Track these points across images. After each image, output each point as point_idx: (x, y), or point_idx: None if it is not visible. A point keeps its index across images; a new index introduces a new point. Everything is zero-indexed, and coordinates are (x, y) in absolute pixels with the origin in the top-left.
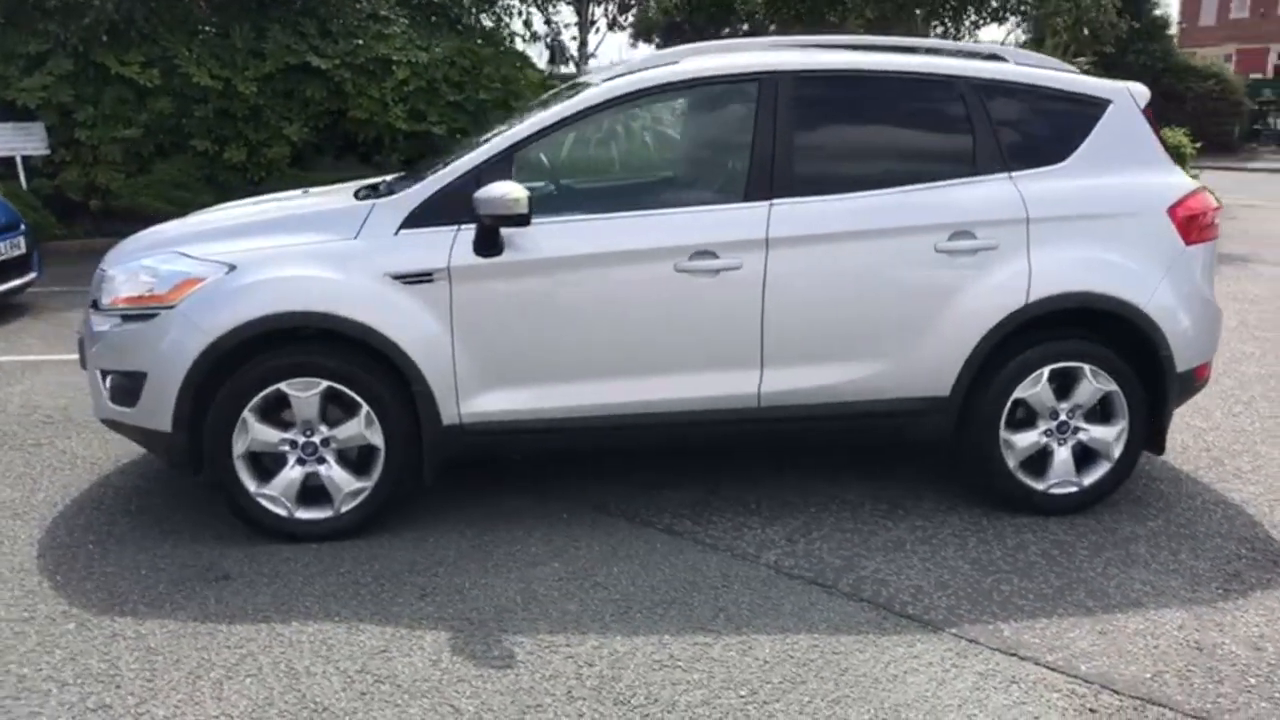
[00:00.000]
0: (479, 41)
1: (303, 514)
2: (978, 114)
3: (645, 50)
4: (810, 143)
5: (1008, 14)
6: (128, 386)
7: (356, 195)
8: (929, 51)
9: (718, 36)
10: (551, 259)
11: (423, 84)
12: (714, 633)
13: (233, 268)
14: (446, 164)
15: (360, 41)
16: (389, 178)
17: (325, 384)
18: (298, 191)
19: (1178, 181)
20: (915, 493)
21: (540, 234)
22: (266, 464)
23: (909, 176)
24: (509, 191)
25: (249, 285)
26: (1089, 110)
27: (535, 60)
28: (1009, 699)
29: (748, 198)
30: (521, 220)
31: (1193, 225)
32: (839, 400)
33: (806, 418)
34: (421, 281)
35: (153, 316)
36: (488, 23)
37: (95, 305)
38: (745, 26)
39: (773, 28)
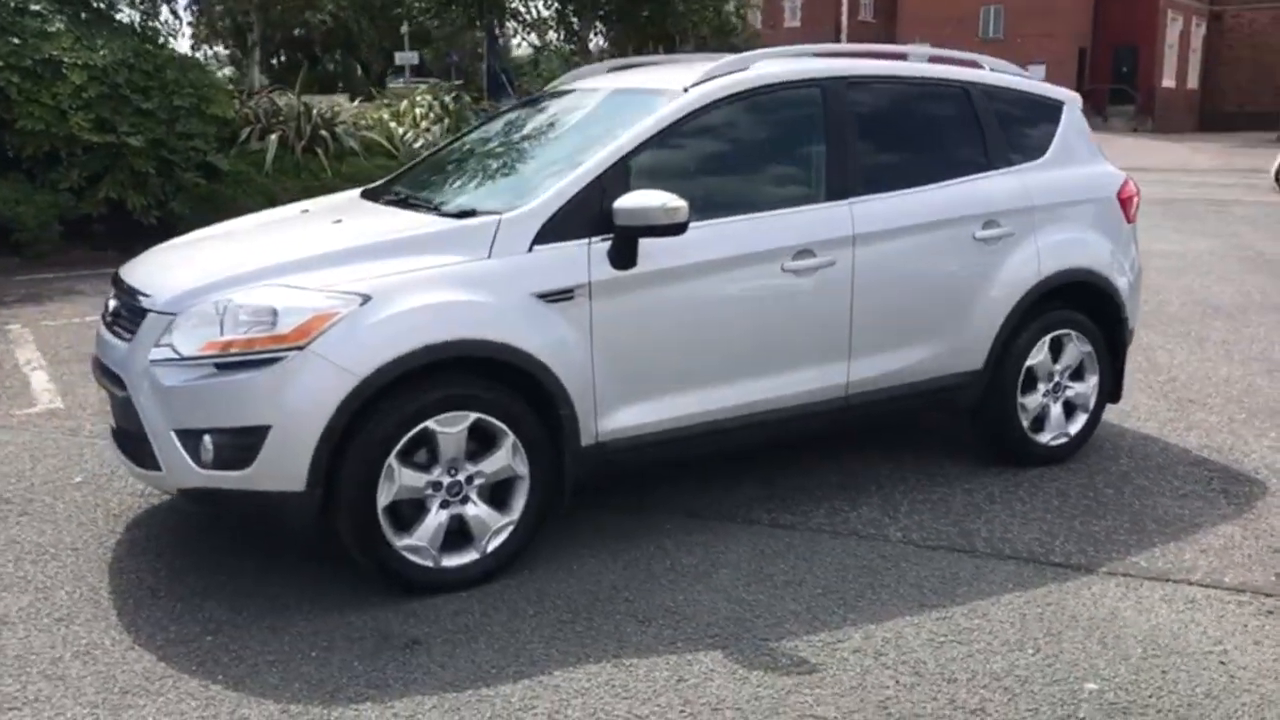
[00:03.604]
0: (134, 38)
1: (448, 561)
2: (986, 115)
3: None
4: (868, 142)
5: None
6: (239, 445)
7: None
8: (918, 58)
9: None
10: (681, 266)
11: (104, 89)
12: (938, 608)
13: (367, 298)
14: (489, 174)
15: (18, 40)
16: (372, 185)
17: (474, 416)
18: (294, 209)
19: (1115, 170)
20: (934, 460)
21: (666, 242)
22: (403, 512)
23: (943, 172)
24: (666, 200)
25: (397, 316)
26: (1053, 111)
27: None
28: (1209, 616)
29: (830, 197)
30: (678, 229)
31: (1130, 206)
32: (906, 381)
33: (882, 401)
34: (563, 299)
35: (273, 361)
36: (136, 15)
37: (167, 357)
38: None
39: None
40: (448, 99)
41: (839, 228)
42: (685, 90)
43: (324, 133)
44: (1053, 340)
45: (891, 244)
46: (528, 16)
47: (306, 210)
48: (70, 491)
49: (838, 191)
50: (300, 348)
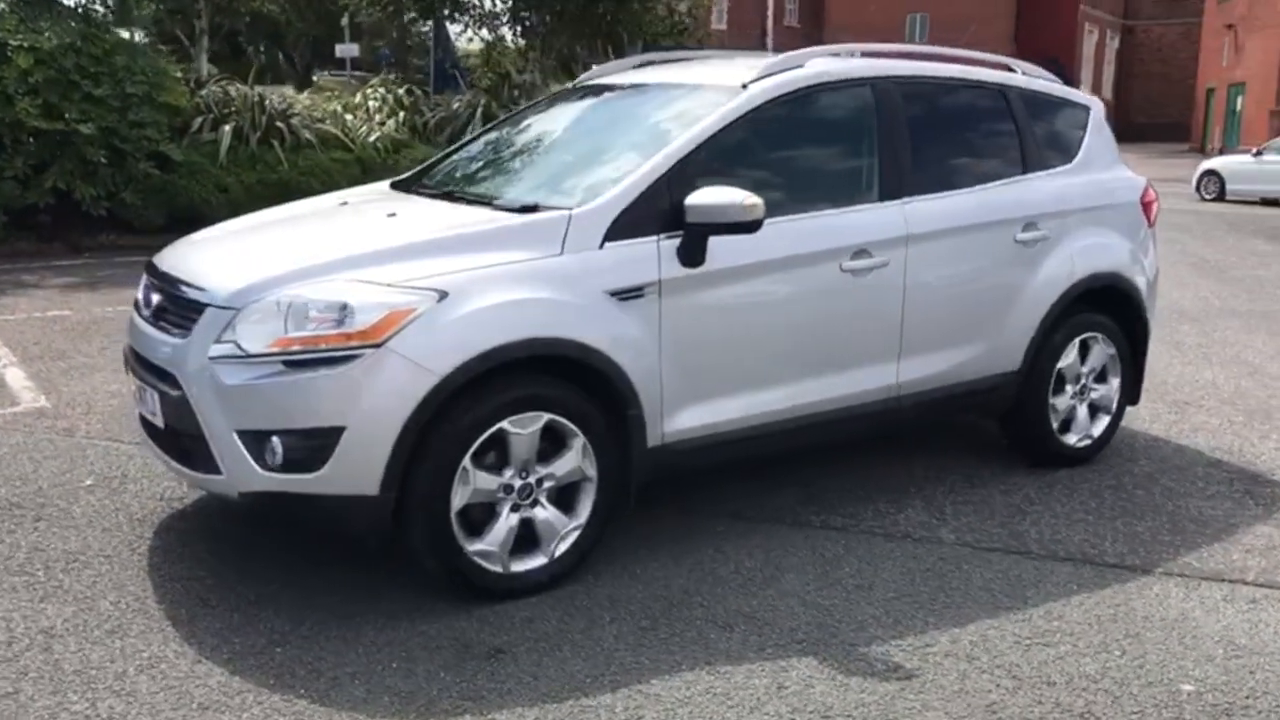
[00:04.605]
0: (80, 22)
1: (516, 566)
2: (1023, 119)
3: None
4: (917, 143)
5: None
6: (310, 447)
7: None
8: (958, 60)
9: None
10: (746, 265)
11: (52, 74)
12: (1013, 610)
13: (444, 294)
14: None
15: None
16: (401, 177)
17: (547, 417)
18: (330, 200)
19: (1136, 176)
20: (963, 463)
21: (730, 240)
22: (473, 516)
23: (986, 174)
24: (743, 198)
25: (476, 313)
26: (1081, 116)
27: None
28: (1273, 615)
29: (883, 198)
30: (754, 227)
31: (1150, 210)
32: (951, 382)
33: (928, 402)
34: (634, 297)
35: (349, 358)
36: None
37: (229, 354)
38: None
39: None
40: (401, 92)
41: (893, 228)
42: (744, 86)
43: (279, 125)
44: (1081, 342)
45: (940, 245)
46: (479, 10)
47: (345, 203)
48: (83, 495)
49: (890, 191)
50: (377, 345)
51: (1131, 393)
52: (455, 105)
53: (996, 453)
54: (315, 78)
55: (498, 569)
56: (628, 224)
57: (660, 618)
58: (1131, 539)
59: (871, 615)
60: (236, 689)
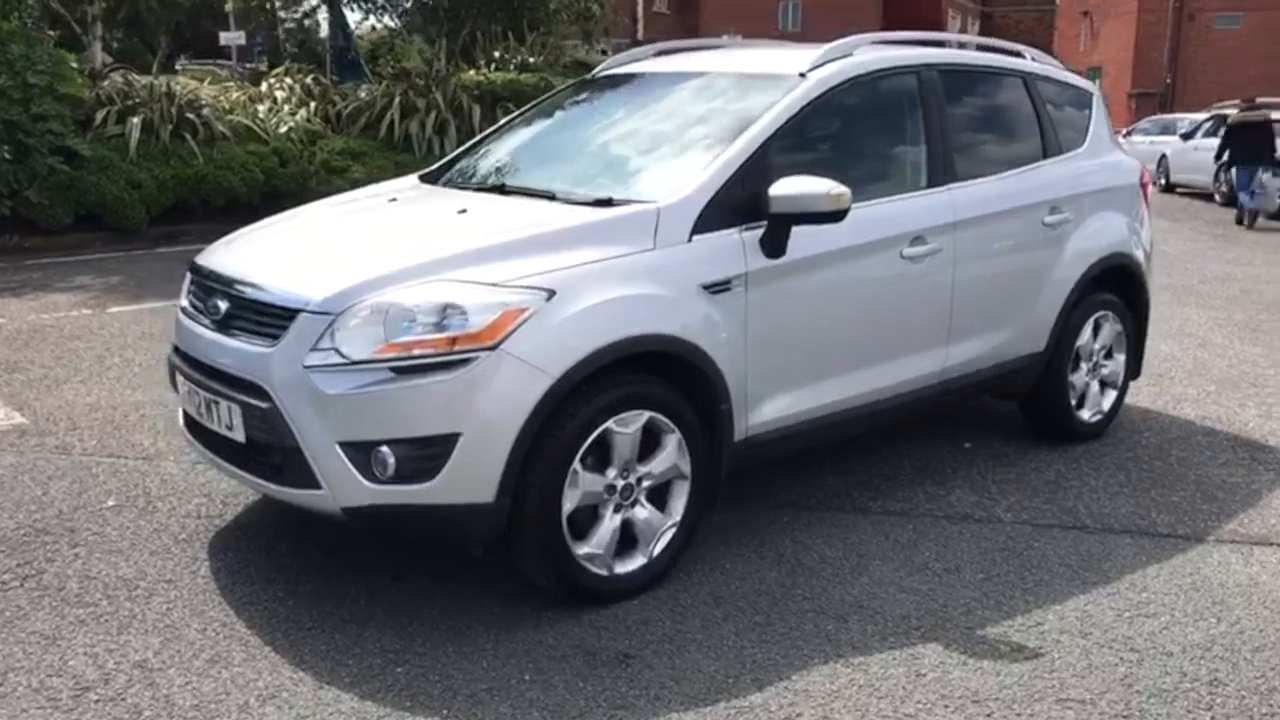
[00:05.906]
0: None
1: (619, 568)
2: (1041, 105)
3: None
4: (957, 130)
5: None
6: (423, 456)
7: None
8: (978, 47)
9: None
10: (820, 255)
11: None
12: (1100, 584)
13: (552, 293)
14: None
15: None
16: (429, 170)
17: (648, 415)
18: (374, 195)
19: (1133, 159)
20: (982, 443)
21: (805, 230)
22: (579, 519)
23: (1015, 159)
24: (831, 187)
25: (586, 311)
26: (1086, 100)
27: None
28: None
29: (931, 184)
30: (839, 217)
31: (1147, 192)
32: (988, 364)
33: (969, 385)
34: (723, 290)
35: (463, 362)
36: None
37: (329, 362)
38: None
39: None
40: (308, 81)
41: (943, 214)
42: (802, 75)
43: (190, 116)
44: (1094, 321)
45: (983, 229)
46: None
47: (394, 199)
48: (111, 517)
49: (938, 178)
50: (492, 347)
51: (1135, 367)
52: (363, 94)
53: (1007, 431)
54: (178, 66)
55: (603, 572)
56: (712, 216)
57: (771, 612)
58: (1173, 509)
59: (972, 598)
60: (374, 714)
